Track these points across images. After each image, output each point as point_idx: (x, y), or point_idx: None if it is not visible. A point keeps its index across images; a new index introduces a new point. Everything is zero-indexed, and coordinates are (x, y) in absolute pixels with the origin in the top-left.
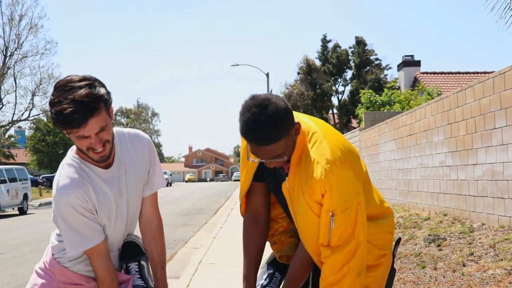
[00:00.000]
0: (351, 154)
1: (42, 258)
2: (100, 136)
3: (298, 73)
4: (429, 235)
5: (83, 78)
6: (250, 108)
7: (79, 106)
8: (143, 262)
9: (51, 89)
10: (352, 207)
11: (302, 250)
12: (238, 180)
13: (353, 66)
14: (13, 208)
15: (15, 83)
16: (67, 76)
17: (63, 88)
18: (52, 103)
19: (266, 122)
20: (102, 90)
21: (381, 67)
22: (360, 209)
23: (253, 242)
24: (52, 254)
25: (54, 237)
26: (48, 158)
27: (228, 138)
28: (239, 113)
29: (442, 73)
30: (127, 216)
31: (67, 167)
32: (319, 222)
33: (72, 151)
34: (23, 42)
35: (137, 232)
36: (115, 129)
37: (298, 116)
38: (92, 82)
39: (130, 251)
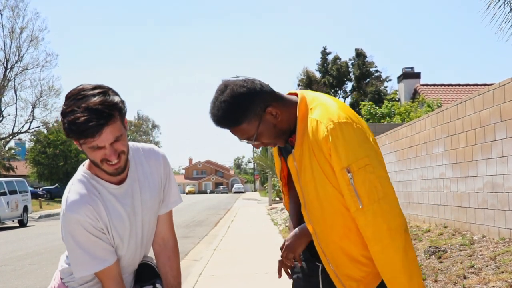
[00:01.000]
0: (361, 121)
1: (50, 283)
2: (115, 146)
3: (298, 85)
4: (430, 247)
5: (96, 86)
6: (214, 93)
7: (93, 114)
8: (158, 286)
9: (51, 101)
10: (374, 163)
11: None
12: (239, 192)
13: (353, 78)
14: (13, 221)
15: (16, 95)
16: (79, 86)
17: (76, 97)
18: (64, 113)
19: (220, 105)
20: (116, 98)
21: (381, 79)
22: (383, 166)
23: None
24: (61, 278)
25: (64, 260)
26: (48, 170)
27: (228, 150)
28: None
29: (442, 85)
30: (142, 236)
31: (77, 183)
32: (340, 188)
33: (83, 166)
34: (23, 54)
35: (150, 253)
36: (129, 143)
37: (304, 92)
38: (105, 90)
39: (145, 274)
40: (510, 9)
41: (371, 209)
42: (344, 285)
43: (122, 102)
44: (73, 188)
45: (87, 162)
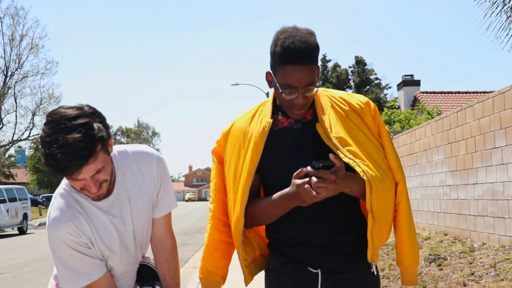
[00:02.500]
0: None
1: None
2: (96, 177)
3: None
4: (430, 254)
5: (78, 115)
6: (287, 29)
7: (72, 153)
8: (157, 287)
9: (51, 109)
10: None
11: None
12: None
13: (353, 86)
14: (12, 228)
15: (16, 103)
16: (61, 108)
17: (57, 125)
18: (43, 142)
19: (308, 35)
20: (98, 128)
21: (381, 86)
22: None
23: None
24: (57, 284)
25: None
26: (48, 178)
27: None
28: (273, 45)
29: (441, 92)
30: (135, 243)
31: (59, 198)
32: (385, 145)
33: (65, 179)
34: (23, 62)
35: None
36: (118, 148)
37: None
38: (88, 121)
39: (145, 275)
40: (506, 17)
41: (402, 169)
42: (375, 248)
43: (106, 128)
44: (55, 203)
45: None
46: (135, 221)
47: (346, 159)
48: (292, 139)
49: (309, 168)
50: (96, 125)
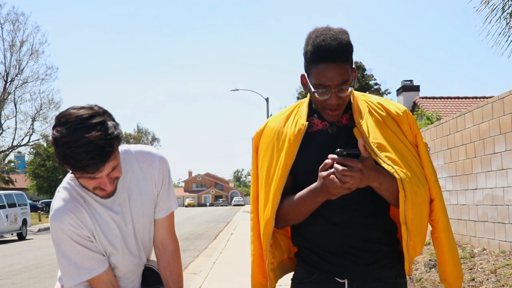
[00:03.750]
0: None
1: None
2: (111, 175)
3: (298, 98)
4: (430, 260)
5: (93, 114)
6: (319, 29)
7: (94, 152)
8: None
9: (51, 114)
10: None
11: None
12: (238, 205)
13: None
14: (12, 234)
15: (16, 108)
16: (72, 109)
17: (73, 125)
18: (59, 142)
19: (341, 33)
20: (114, 126)
21: (381, 91)
22: None
23: None
24: (62, 286)
25: None
26: (48, 183)
27: (227, 163)
28: (306, 45)
29: (441, 98)
30: (137, 243)
31: (62, 191)
32: (422, 157)
33: (70, 173)
34: (23, 67)
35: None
36: (122, 147)
37: None
38: (103, 119)
39: (149, 278)
40: (506, 23)
41: (439, 185)
42: (410, 260)
43: (118, 126)
44: (58, 196)
45: None
46: (134, 220)
47: (384, 165)
48: (326, 143)
49: (333, 155)
50: (111, 123)
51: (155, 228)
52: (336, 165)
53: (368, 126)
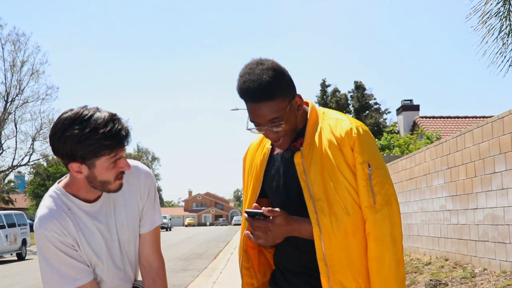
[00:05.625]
0: None
1: None
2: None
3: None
4: (431, 280)
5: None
6: (247, 66)
7: (121, 125)
8: None
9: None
10: (385, 168)
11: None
12: (238, 224)
13: (353, 110)
14: (11, 254)
15: (16, 128)
16: (77, 109)
17: (85, 115)
18: (80, 138)
19: (262, 72)
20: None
21: (380, 111)
22: (391, 178)
23: None
24: None
25: None
26: None
27: (228, 182)
28: (236, 82)
29: (441, 117)
30: (122, 256)
31: (47, 199)
32: (356, 182)
33: (57, 184)
34: (24, 87)
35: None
36: None
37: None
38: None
39: None
40: (502, 43)
41: (382, 210)
42: None
43: None
44: (43, 204)
45: (63, 180)
46: (119, 232)
47: (307, 201)
48: (280, 167)
49: (246, 215)
50: None
51: (140, 245)
52: (248, 225)
53: (312, 153)
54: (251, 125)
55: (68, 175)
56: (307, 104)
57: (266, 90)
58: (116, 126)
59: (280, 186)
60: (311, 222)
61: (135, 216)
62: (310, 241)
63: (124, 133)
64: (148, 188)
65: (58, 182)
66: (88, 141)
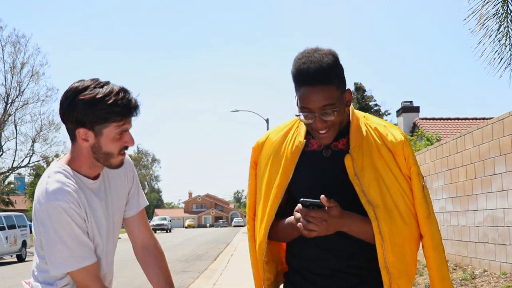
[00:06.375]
0: None
1: None
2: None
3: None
4: None
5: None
6: (305, 51)
7: (130, 95)
8: None
9: (51, 136)
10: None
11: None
12: (238, 226)
13: None
14: (11, 256)
15: (16, 130)
16: (81, 81)
17: (98, 84)
18: (93, 101)
19: (322, 56)
20: None
21: (380, 112)
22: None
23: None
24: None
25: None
26: None
27: (228, 184)
28: (292, 67)
29: (441, 119)
30: (114, 238)
31: (55, 174)
32: (412, 192)
33: (57, 161)
34: (24, 89)
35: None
36: None
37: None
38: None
39: None
40: (499, 45)
41: (434, 219)
42: None
43: None
44: (52, 179)
45: (63, 157)
46: (114, 211)
47: (365, 206)
48: (319, 165)
49: (299, 205)
50: None
51: (134, 228)
52: (301, 214)
53: (363, 156)
54: (303, 110)
55: (67, 153)
56: None
57: (326, 73)
58: (128, 96)
59: (316, 187)
60: (372, 228)
61: (123, 200)
62: (334, 240)
63: (135, 103)
64: (132, 173)
65: (56, 161)
66: (100, 105)
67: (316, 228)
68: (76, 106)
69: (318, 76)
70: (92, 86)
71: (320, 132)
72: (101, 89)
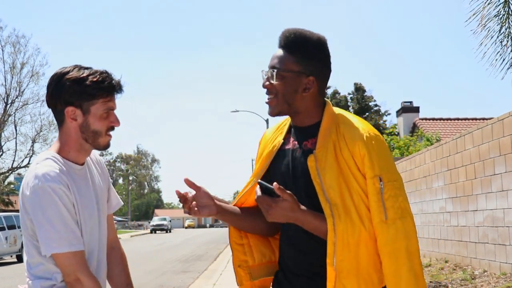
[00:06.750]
0: None
1: None
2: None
3: None
4: (431, 282)
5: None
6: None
7: (111, 75)
8: None
9: (51, 136)
10: (399, 180)
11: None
12: None
13: (352, 112)
14: (11, 256)
15: (16, 130)
16: (67, 67)
17: (81, 66)
18: (82, 78)
19: (307, 31)
20: None
21: (380, 113)
22: (404, 189)
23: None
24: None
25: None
26: None
27: (228, 184)
28: None
29: (441, 119)
30: (104, 227)
31: (44, 161)
32: (369, 196)
33: (45, 151)
34: (24, 89)
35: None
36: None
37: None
38: None
39: None
40: (501, 46)
41: (394, 225)
42: None
43: None
44: (40, 165)
45: (52, 147)
46: (101, 200)
47: (322, 204)
48: (289, 164)
49: (258, 187)
50: None
51: (108, 227)
52: (256, 195)
53: (326, 156)
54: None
55: (55, 142)
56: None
57: (293, 42)
58: (111, 75)
59: (288, 183)
60: (326, 223)
61: (106, 194)
62: (312, 243)
63: (119, 81)
64: (107, 173)
65: (46, 151)
66: (86, 82)
67: (265, 212)
68: (63, 86)
69: (286, 41)
70: (77, 69)
71: (266, 97)
72: (86, 70)
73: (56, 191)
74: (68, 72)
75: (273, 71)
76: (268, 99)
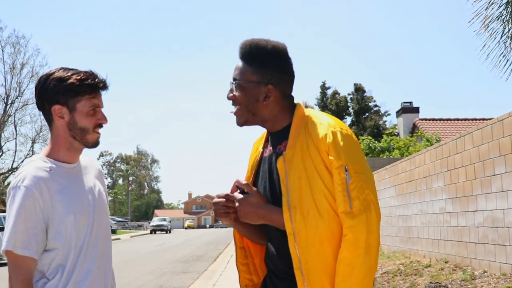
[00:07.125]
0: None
1: None
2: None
3: None
4: (431, 282)
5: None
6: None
7: (95, 73)
8: None
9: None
10: (367, 173)
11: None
12: None
13: (352, 113)
14: None
15: (16, 130)
16: (55, 69)
17: (65, 67)
18: (66, 77)
19: (262, 40)
20: None
21: (380, 113)
22: (374, 183)
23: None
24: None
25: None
26: None
27: (227, 185)
28: None
29: (441, 119)
30: (103, 223)
31: (30, 163)
32: (333, 187)
33: (35, 155)
34: (24, 90)
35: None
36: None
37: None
38: None
39: None
40: (505, 47)
41: (359, 216)
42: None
43: None
44: (26, 167)
45: (42, 151)
46: (98, 198)
47: (284, 208)
48: (267, 170)
49: (236, 184)
50: None
51: None
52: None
53: (293, 157)
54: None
55: (46, 146)
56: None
57: (250, 53)
58: (96, 74)
59: (267, 189)
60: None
61: (104, 194)
62: (287, 246)
63: (103, 79)
64: (104, 180)
65: (37, 154)
66: (71, 80)
67: (238, 211)
68: (49, 85)
69: (242, 52)
70: (62, 70)
71: (233, 108)
72: (70, 70)
73: (28, 193)
74: (53, 73)
75: (234, 83)
76: (234, 110)
